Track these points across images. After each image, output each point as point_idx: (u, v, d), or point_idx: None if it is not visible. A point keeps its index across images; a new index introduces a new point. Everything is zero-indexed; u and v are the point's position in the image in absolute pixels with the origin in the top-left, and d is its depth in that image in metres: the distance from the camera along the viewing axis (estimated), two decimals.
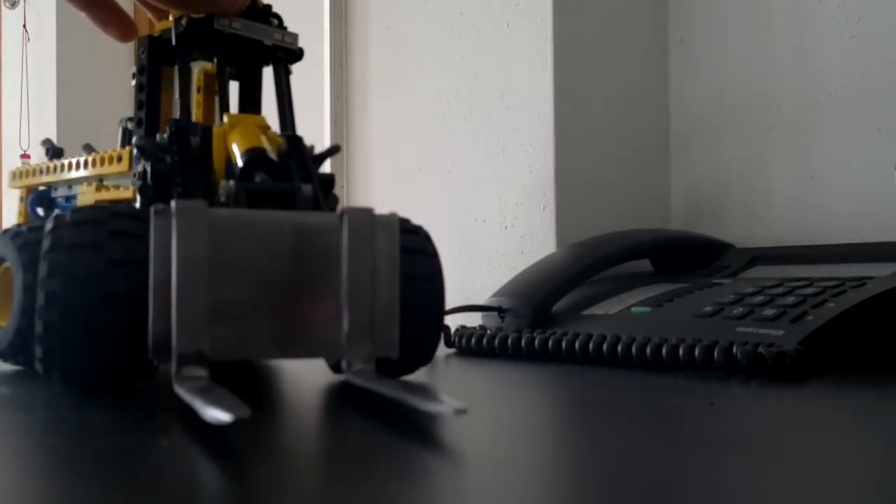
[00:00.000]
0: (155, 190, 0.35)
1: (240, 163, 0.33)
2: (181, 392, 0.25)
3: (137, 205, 0.36)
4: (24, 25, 1.67)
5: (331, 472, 0.20)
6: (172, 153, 0.35)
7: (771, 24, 0.68)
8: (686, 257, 0.61)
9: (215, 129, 0.35)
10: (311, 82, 0.90)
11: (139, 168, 0.36)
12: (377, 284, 0.30)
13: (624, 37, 0.73)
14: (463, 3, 0.76)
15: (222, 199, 0.31)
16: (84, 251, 0.30)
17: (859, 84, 0.62)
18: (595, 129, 0.71)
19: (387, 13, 0.84)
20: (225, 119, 0.35)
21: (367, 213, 0.30)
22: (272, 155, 0.33)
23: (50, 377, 0.30)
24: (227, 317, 0.28)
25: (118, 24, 0.43)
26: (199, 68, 0.41)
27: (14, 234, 0.38)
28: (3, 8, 1.74)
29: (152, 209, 0.27)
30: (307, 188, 0.32)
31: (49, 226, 0.31)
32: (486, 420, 0.28)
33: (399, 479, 0.19)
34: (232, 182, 0.31)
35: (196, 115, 0.40)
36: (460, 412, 0.23)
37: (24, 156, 1.71)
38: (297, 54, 0.40)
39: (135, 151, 0.37)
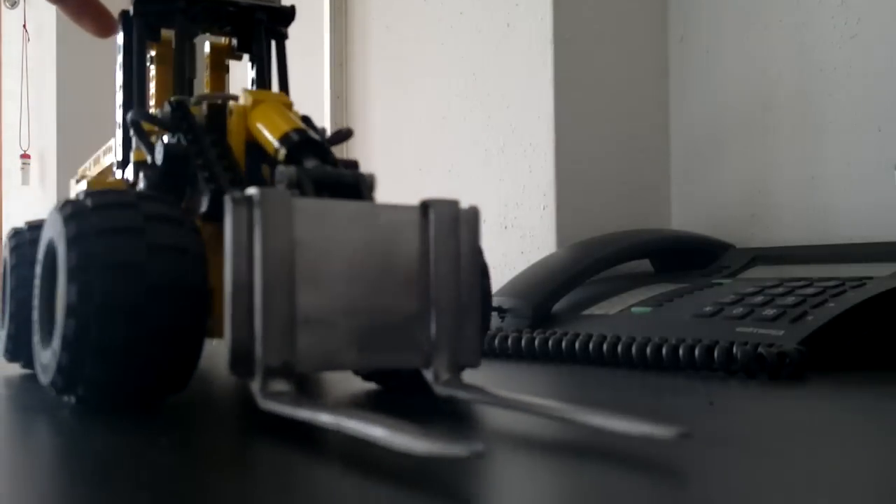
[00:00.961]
0: (164, 173, 0.31)
1: (277, 145, 0.30)
2: (292, 412, 0.22)
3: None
4: (24, 25, 1.67)
5: (331, 472, 0.20)
6: (182, 130, 0.31)
7: (771, 23, 0.68)
8: (686, 257, 0.61)
9: (234, 106, 0.32)
10: (311, 82, 0.90)
11: (137, 149, 0.33)
12: (461, 285, 0.27)
13: (624, 37, 0.73)
14: (463, 3, 0.76)
15: (279, 186, 0.27)
16: (121, 237, 0.26)
17: (859, 84, 0.62)
18: (595, 129, 0.71)
19: (387, 13, 0.84)
20: (246, 97, 0.32)
21: (453, 205, 0.27)
22: (317, 137, 0.30)
23: (70, 390, 0.27)
24: (311, 322, 0.24)
25: (93, 16, 0.39)
26: (207, 42, 0.38)
27: (14, 232, 0.38)
28: (3, 8, 1.74)
29: (229, 197, 0.23)
30: (370, 175, 0.29)
31: (66, 211, 0.27)
32: (485, 420, 0.28)
33: (412, 476, 0.19)
34: (292, 167, 0.27)
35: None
36: (685, 436, 0.20)
37: (24, 156, 1.71)
38: (286, 13, 0.36)
39: (123, 133, 0.34)
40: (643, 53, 0.74)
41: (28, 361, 0.38)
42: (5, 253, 0.38)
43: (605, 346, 0.43)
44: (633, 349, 0.41)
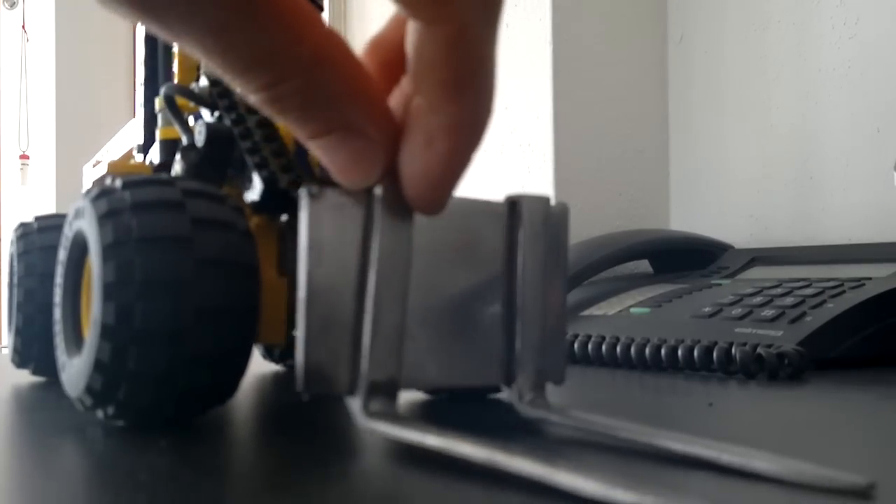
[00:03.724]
0: (206, 155, 0.28)
1: None
2: (399, 433, 0.20)
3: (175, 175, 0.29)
4: (24, 26, 1.67)
5: (330, 472, 0.20)
6: (224, 108, 0.28)
7: (770, 24, 0.68)
8: (685, 258, 0.61)
9: None
10: None
11: (177, 128, 0.30)
12: (550, 292, 0.24)
13: (623, 37, 0.73)
14: None
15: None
16: (165, 247, 0.23)
17: (858, 85, 0.62)
18: (594, 130, 0.71)
19: (386, 14, 0.84)
20: None
21: (544, 202, 0.24)
22: None
23: (100, 407, 0.25)
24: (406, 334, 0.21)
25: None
26: None
27: (22, 233, 0.36)
28: (2, 8, 1.75)
29: (305, 191, 0.21)
30: None
31: (101, 209, 0.24)
32: (485, 420, 0.28)
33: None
34: None
35: None
36: (870, 488, 0.16)
37: (23, 156, 1.71)
38: None
39: (146, 113, 0.30)
40: (642, 54, 0.74)
41: (38, 368, 0.35)
42: (12, 251, 0.36)
43: (604, 347, 0.43)
44: (632, 350, 0.41)
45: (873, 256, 0.49)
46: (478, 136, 0.20)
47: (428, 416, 0.28)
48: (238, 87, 0.18)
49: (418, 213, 0.21)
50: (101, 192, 0.25)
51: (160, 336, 0.23)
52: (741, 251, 0.60)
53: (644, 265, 0.64)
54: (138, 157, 0.35)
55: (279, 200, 0.28)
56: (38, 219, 0.36)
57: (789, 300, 0.44)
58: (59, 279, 0.28)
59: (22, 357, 0.35)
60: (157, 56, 0.33)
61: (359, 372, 0.21)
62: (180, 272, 0.23)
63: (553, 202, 0.25)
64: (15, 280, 0.35)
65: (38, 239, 0.35)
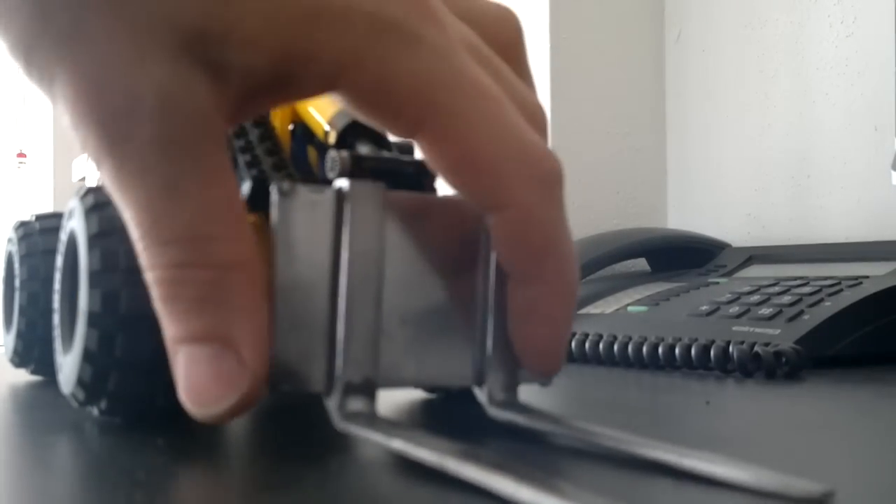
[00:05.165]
0: None
1: (327, 127, 0.27)
2: (374, 436, 0.19)
3: None
4: None
5: (328, 470, 0.20)
6: None
7: (767, 22, 0.68)
8: (682, 256, 0.61)
9: None
10: None
11: None
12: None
13: (620, 36, 0.73)
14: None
15: (330, 173, 0.24)
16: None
17: (855, 83, 0.62)
18: (591, 128, 0.71)
19: None
20: None
21: None
22: None
23: (93, 401, 0.25)
24: (383, 333, 0.21)
25: None
26: None
27: (20, 224, 0.35)
28: None
29: (276, 188, 0.21)
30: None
31: (87, 203, 0.25)
32: (484, 420, 0.27)
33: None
34: (345, 152, 0.24)
35: None
36: (827, 496, 0.16)
37: (20, 155, 1.71)
38: None
39: None
40: (639, 52, 0.74)
41: (38, 367, 0.35)
42: (11, 248, 0.36)
43: (601, 345, 0.43)
44: (630, 348, 0.41)
45: (871, 255, 0.49)
46: (569, 302, 0.21)
47: (416, 417, 0.28)
48: (141, 251, 0.18)
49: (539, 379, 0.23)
50: (89, 190, 0.26)
51: (146, 322, 0.23)
52: (738, 249, 0.60)
53: (641, 263, 0.64)
54: None
55: (269, 198, 0.28)
56: (39, 219, 0.35)
57: (787, 298, 0.44)
58: (56, 285, 0.28)
59: (22, 360, 0.35)
60: None
61: (334, 372, 0.20)
62: None
63: None
64: (17, 284, 0.35)
65: (40, 241, 0.34)
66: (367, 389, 0.21)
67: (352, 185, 0.21)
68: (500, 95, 0.20)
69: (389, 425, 0.20)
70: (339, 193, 0.21)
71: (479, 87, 0.20)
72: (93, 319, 0.24)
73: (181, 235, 0.18)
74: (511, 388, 0.23)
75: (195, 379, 0.18)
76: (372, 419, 0.20)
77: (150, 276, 0.18)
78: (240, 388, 0.18)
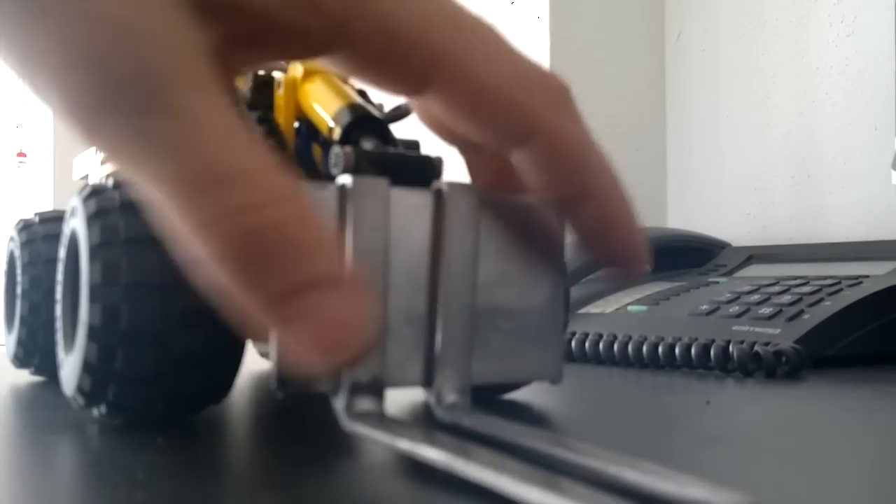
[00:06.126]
0: None
1: (332, 122, 0.27)
2: (382, 437, 0.19)
3: None
4: None
5: (329, 470, 0.20)
6: None
7: (767, 22, 0.68)
8: (682, 256, 0.61)
9: (283, 77, 0.29)
10: None
11: None
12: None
13: (620, 35, 0.73)
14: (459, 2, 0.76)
15: (334, 169, 0.24)
16: (153, 248, 0.23)
17: (855, 82, 0.62)
18: (591, 127, 0.71)
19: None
20: (296, 67, 0.29)
21: (472, 191, 0.22)
22: (376, 113, 0.27)
23: (92, 407, 0.25)
24: (390, 331, 0.21)
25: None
26: None
27: (24, 225, 0.35)
28: None
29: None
30: (437, 158, 0.25)
31: (90, 208, 0.24)
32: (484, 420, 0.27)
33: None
34: (348, 147, 0.24)
35: None
36: None
37: (20, 154, 1.71)
38: None
39: None
40: (640, 52, 0.74)
41: (39, 367, 0.35)
42: (12, 247, 0.35)
43: (601, 345, 0.42)
44: (630, 348, 0.41)
45: (871, 254, 0.49)
46: (627, 201, 0.22)
47: (423, 417, 0.28)
48: (188, 212, 0.16)
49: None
50: (92, 191, 0.25)
51: (147, 337, 0.23)
52: (739, 249, 0.60)
53: None
54: None
55: None
56: (42, 221, 0.35)
57: (787, 298, 0.44)
58: (59, 276, 0.28)
59: (23, 362, 0.35)
60: None
61: (341, 372, 0.20)
62: (167, 273, 0.23)
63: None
64: (18, 291, 0.35)
65: (43, 249, 0.34)
66: (376, 389, 0.20)
67: (355, 181, 0.20)
68: (495, 27, 0.21)
69: (397, 425, 0.20)
70: (343, 189, 0.20)
71: (475, 22, 0.20)
72: (93, 333, 0.23)
73: (230, 171, 0.16)
74: (463, 391, 0.22)
75: (331, 321, 0.16)
76: (380, 419, 0.20)
77: (213, 235, 0.16)
78: (372, 319, 0.16)
